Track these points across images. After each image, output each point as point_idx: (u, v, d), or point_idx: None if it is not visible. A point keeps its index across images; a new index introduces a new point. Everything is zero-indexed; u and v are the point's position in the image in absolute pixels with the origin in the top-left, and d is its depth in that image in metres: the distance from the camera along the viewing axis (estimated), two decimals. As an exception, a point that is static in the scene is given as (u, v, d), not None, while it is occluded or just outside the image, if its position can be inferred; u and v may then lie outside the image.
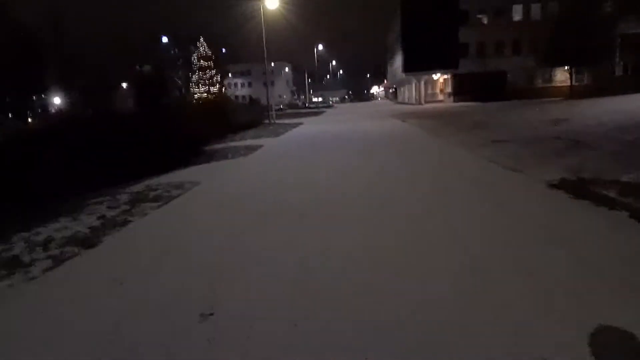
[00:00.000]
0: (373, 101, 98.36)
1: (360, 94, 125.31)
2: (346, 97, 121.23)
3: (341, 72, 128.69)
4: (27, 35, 36.11)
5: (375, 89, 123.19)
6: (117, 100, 38.95)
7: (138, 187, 7.70)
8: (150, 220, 5.40)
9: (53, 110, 45.02)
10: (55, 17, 44.84)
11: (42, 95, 48.53)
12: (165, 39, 29.16)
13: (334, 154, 10.79)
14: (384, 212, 5.02)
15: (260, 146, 13.63)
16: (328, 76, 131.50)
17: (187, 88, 29.73)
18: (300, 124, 24.63)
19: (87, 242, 4.54)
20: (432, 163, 8.29)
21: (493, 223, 4.34)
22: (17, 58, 32.86)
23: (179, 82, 29.07)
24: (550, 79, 37.40)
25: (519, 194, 5.54)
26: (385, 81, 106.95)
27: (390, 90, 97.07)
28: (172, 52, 28.98)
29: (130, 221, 5.34)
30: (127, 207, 6.04)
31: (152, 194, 6.90)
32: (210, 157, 11.54)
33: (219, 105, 20.65)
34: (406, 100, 50.35)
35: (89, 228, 5.05)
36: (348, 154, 10.43)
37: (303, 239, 4.21)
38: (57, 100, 48.73)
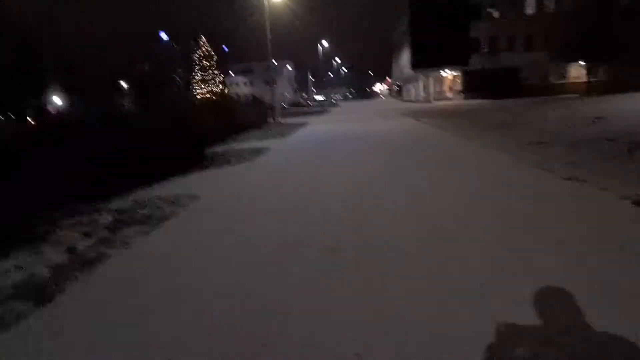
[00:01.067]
0: (376, 99, 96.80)
1: (363, 92, 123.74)
2: (348, 94, 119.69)
3: (344, 69, 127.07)
4: (25, 33, 34.91)
5: (378, 87, 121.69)
6: (118, 100, 37.78)
7: (126, 202, 6.47)
8: (130, 257, 4.16)
9: (53, 111, 43.86)
10: (52, 16, 43.64)
11: (42, 95, 47.40)
12: (163, 36, 28.04)
13: (351, 159, 9.54)
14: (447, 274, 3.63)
15: (267, 149, 12.39)
16: (330, 74, 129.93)
17: (187, 86, 28.43)
18: (307, 123, 23.39)
19: (42, 293, 3.31)
20: (478, 174, 7.02)
21: (603, 272, 3.09)
22: (15, 57, 31.68)
23: (179, 80, 27.81)
24: (564, 75, 35.91)
25: (601, 216, 4.29)
26: (388, 79, 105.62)
27: (395, 88, 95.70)
28: (171, 49, 27.84)
29: (107, 256, 4.11)
30: (106, 232, 4.82)
31: (140, 212, 5.68)
32: (212, 162, 10.31)
33: (221, 105, 19.40)
34: (412, 98, 48.96)
35: (51, 267, 3.83)
36: (368, 160, 9.19)
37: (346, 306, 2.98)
38: (57, 100, 47.57)
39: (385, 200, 5.53)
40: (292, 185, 7.05)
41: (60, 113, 27.32)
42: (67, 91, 45.54)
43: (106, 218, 5.40)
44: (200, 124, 12.89)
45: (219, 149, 13.33)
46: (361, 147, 11.33)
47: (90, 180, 6.70)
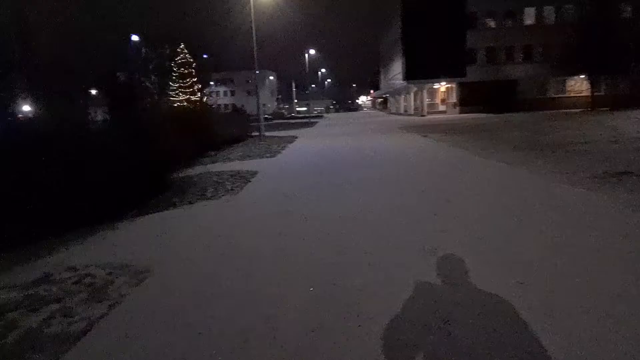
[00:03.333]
0: (360, 111, 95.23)
1: (346, 104, 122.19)
2: (331, 106, 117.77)
3: (329, 80, 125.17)
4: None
5: (362, 99, 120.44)
6: (83, 110, 34.43)
7: (14, 292, 3.76)
8: None
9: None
10: (19, 19, 40.11)
11: (11, 104, 43.36)
12: (135, 38, 25.14)
13: (376, 196, 7.02)
14: None
15: (253, 173, 9.76)
16: (313, 85, 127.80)
17: (161, 94, 25.63)
18: (295, 137, 20.83)
19: None
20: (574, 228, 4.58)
21: None
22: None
23: (151, 87, 24.96)
24: (564, 89, 34.39)
25: None
26: (372, 91, 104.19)
27: (379, 101, 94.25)
28: (144, 53, 25.00)
29: None
30: None
31: (26, 322, 2.99)
32: (180, 194, 7.62)
33: (198, 116, 16.68)
34: (402, 111, 47.03)
35: None
36: (402, 201, 6.67)
37: None
38: (27, 108, 43.71)
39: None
40: (301, 243, 4.46)
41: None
42: (38, 99, 41.80)
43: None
44: (173, 139, 10.19)
45: (193, 171, 10.65)
46: (382, 176, 8.81)
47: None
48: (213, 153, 14.88)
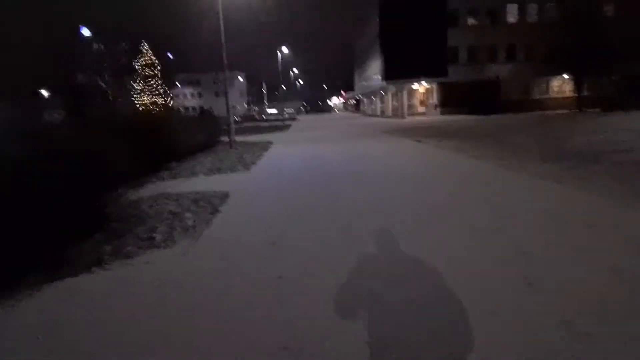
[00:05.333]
0: (332, 113, 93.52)
1: (317, 106, 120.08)
2: (301, 108, 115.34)
3: (300, 81, 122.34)
4: None
5: (335, 101, 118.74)
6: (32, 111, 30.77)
7: None
8: None
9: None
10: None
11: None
12: (85, 32, 21.91)
13: (388, 231, 4.83)
14: None
15: (223, 197, 7.40)
16: (283, 86, 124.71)
17: (116, 95, 22.68)
18: (270, 143, 18.45)
19: None
20: None
21: None
22: None
23: (104, 86, 21.97)
24: (547, 90, 33.38)
25: None
26: (343, 92, 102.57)
27: (351, 102, 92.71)
28: (96, 50, 21.99)
29: None
30: None
31: None
32: (115, 238, 5.18)
33: (158, 121, 14.02)
34: (377, 113, 45.34)
35: None
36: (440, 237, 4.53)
37: None
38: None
39: None
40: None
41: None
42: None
43: None
44: (117, 150, 7.68)
45: (146, 192, 8.20)
46: (395, 202, 6.66)
47: None
48: (175, 165, 12.38)
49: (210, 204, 6.88)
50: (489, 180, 7.61)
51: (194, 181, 9.49)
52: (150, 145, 11.36)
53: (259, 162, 12.10)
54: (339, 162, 11.23)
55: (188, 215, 6.18)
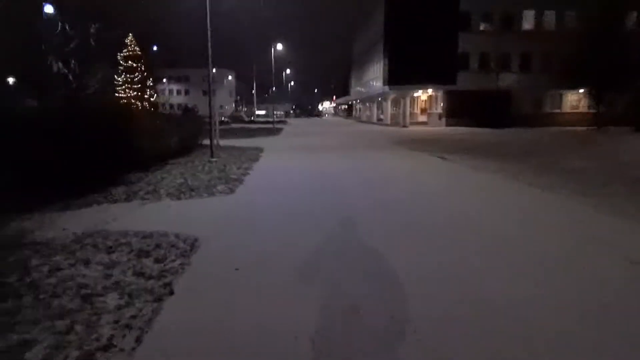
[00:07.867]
0: (323, 118, 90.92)
1: (307, 109, 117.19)
2: (291, 111, 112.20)
3: (292, 83, 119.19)
4: None
5: (326, 105, 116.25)
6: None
7: None
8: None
9: None
10: None
11: None
12: (48, 9, 18.83)
13: None
14: None
15: (186, 251, 4.50)
16: (274, 88, 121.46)
17: (82, 81, 19.56)
18: (260, 150, 15.54)
19: None
20: None
21: None
22: None
23: (66, 71, 18.81)
24: (560, 104, 31.09)
25: None
26: (334, 97, 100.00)
27: (342, 107, 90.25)
28: (62, 30, 18.94)
29: None
30: None
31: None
32: None
33: (119, 116, 10.95)
34: (374, 120, 42.75)
35: None
36: None
37: None
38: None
39: None
40: None
41: None
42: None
43: None
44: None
45: (70, 223, 5.28)
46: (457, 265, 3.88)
47: None
48: (138, 176, 9.41)
49: (164, 271, 3.96)
50: (582, 232, 4.86)
51: (152, 207, 6.57)
52: (103, 149, 8.44)
53: (246, 180, 9.19)
54: (356, 186, 8.41)
55: (111, 301, 3.27)
